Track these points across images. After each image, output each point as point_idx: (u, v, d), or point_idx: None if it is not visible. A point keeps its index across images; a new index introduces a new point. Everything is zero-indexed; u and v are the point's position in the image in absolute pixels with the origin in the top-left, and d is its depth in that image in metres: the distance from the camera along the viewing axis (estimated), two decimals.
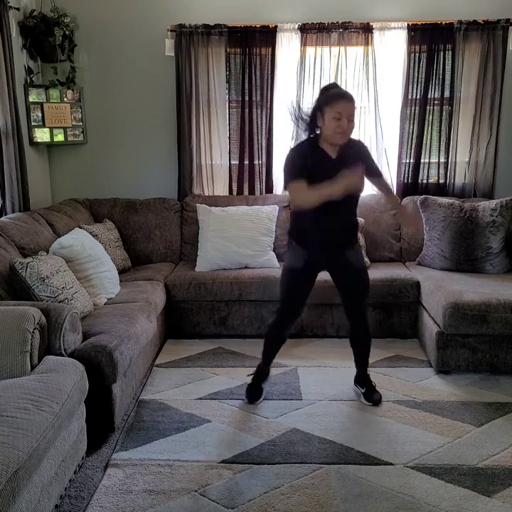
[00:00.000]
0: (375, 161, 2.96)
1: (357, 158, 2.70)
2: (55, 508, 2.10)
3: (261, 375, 3.06)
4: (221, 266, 3.99)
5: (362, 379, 3.05)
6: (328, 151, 2.69)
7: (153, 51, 4.36)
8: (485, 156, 4.38)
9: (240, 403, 2.96)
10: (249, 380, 3.08)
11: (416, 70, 4.29)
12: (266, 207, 4.21)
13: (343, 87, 4.28)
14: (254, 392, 3.00)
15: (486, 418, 2.79)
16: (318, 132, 2.72)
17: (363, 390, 3.01)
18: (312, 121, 2.70)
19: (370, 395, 2.97)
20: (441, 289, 3.38)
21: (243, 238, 4.02)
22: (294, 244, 2.85)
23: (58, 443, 2.05)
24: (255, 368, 3.09)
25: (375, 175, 2.89)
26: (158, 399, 3.02)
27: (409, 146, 4.41)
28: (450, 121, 4.36)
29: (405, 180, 4.49)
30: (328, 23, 4.20)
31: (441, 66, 4.27)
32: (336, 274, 2.92)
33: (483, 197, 4.38)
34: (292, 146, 2.87)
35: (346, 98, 2.62)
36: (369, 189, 4.44)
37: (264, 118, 4.38)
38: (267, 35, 4.25)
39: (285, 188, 2.84)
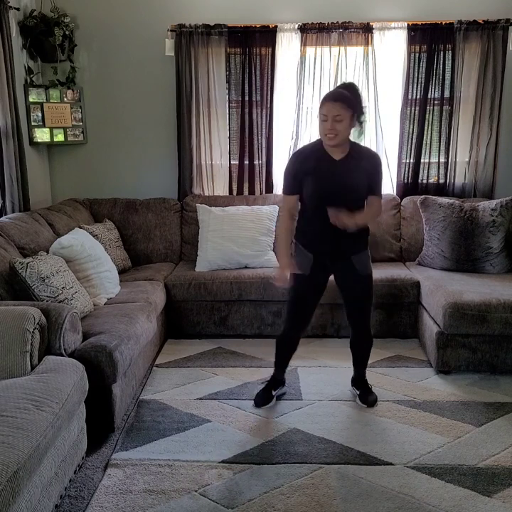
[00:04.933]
0: (381, 183, 2.81)
1: (364, 167, 2.68)
2: (55, 508, 2.10)
3: (274, 381, 3.02)
4: (221, 266, 3.99)
5: (359, 381, 3.03)
6: (331, 153, 2.68)
7: (153, 51, 4.36)
8: (485, 156, 4.38)
9: (239, 403, 2.95)
10: (252, 381, 3.09)
11: (416, 70, 4.29)
12: (266, 207, 4.21)
13: None
14: (262, 397, 2.95)
15: (486, 418, 2.79)
16: None
17: (358, 392, 2.99)
18: None
19: (366, 396, 2.95)
20: (441, 289, 3.38)
21: (243, 238, 4.02)
22: (301, 248, 2.82)
23: (58, 443, 2.05)
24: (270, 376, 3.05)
25: (370, 192, 2.75)
26: (158, 399, 3.02)
27: (409, 146, 4.41)
28: (450, 121, 4.36)
29: (405, 180, 4.49)
30: (328, 23, 4.20)
31: (441, 66, 4.27)
32: (339, 279, 2.88)
33: (483, 197, 4.38)
34: (295, 151, 2.87)
35: (331, 98, 2.60)
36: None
37: (264, 118, 4.38)
38: (267, 35, 4.25)
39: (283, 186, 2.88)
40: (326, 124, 2.57)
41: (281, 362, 3.01)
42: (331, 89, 2.75)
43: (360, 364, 3.02)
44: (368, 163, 2.71)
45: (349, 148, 2.68)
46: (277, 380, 3.02)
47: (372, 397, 2.95)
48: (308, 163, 2.68)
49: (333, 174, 2.66)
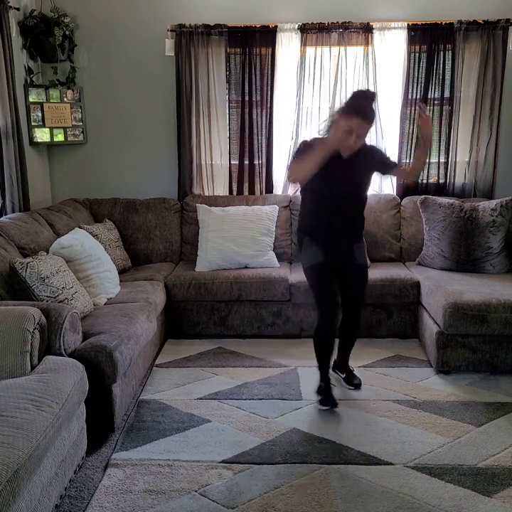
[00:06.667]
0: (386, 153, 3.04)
1: (369, 160, 2.85)
2: (55, 508, 2.10)
3: (328, 380, 2.94)
4: (221, 266, 3.99)
5: (343, 365, 3.17)
6: (340, 151, 2.75)
7: (153, 51, 4.36)
8: (485, 156, 4.38)
9: (239, 403, 2.94)
10: (252, 380, 3.10)
11: (416, 70, 4.29)
12: (266, 207, 4.21)
13: (342, 87, 4.33)
14: (332, 397, 2.89)
15: (486, 418, 2.79)
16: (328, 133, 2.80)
17: (342, 375, 3.14)
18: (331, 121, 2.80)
19: (351, 379, 3.10)
20: (441, 289, 3.38)
21: (243, 238, 4.02)
22: (307, 241, 2.92)
23: (58, 443, 2.05)
24: (318, 385, 2.95)
25: (392, 168, 2.95)
26: (158, 399, 3.02)
27: (409, 146, 4.41)
28: (450, 121, 4.36)
29: (405, 180, 4.48)
30: (328, 23, 4.20)
31: (441, 66, 4.27)
32: (340, 268, 2.97)
33: (483, 197, 4.38)
34: (306, 139, 2.88)
35: (363, 116, 2.62)
36: (369, 189, 4.47)
37: (264, 118, 4.38)
38: (267, 35, 4.25)
39: (288, 170, 2.92)
40: (350, 138, 2.63)
41: (324, 359, 2.93)
42: (366, 98, 2.73)
43: (347, 350, 3.15)
44: (370, 155, 2.87)
45: None
46: (329, 378, 2.96)
47: (357, 380, 3.09)
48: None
49: (340, 171, 2.76)
